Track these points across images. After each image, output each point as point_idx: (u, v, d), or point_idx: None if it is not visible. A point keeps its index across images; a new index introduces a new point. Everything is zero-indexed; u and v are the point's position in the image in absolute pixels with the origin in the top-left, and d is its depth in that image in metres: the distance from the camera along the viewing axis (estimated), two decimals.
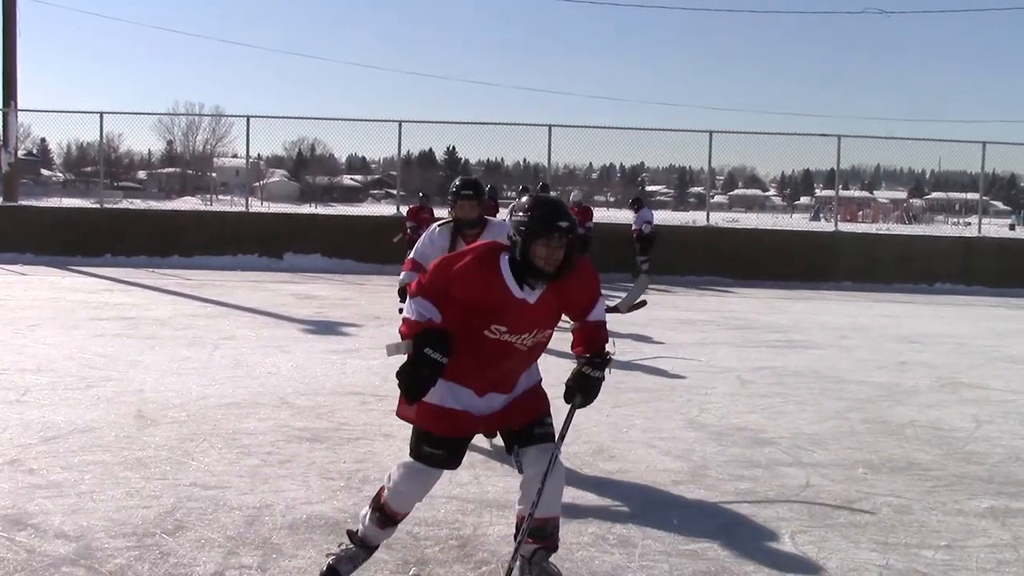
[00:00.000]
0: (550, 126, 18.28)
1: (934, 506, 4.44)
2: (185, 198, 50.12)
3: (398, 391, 3.20)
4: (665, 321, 10.78)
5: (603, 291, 3.45)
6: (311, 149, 62.08)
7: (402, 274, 5.24)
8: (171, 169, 63.40)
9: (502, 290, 3.14)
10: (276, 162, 53.87)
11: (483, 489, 4.49)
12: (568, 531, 3.93)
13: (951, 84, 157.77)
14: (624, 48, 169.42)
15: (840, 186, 21.49)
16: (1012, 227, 43.85)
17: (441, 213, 16.22)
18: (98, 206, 20.30)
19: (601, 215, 19.97)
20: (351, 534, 3.38)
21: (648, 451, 5.27)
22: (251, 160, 21.75)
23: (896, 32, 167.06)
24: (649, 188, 62.08)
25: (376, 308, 11.58)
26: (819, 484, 4.75)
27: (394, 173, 26.53)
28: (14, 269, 15.34)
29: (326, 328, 9.74)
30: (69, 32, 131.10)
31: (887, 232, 26.09)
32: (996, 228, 30.49)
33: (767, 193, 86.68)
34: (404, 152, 19.33)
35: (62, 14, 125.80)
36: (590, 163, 47.47)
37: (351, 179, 66.02)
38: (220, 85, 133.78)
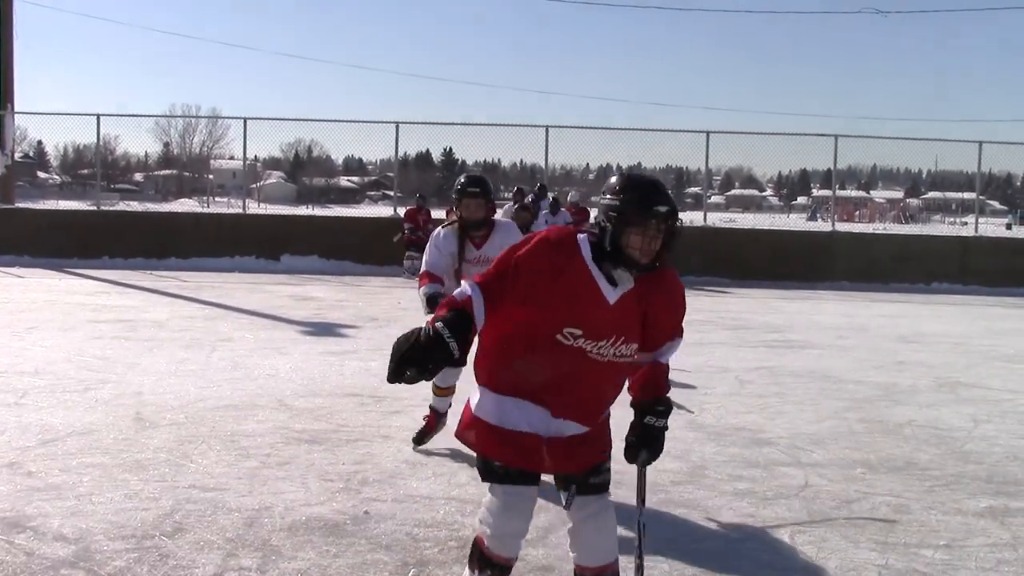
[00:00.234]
0: (547, 127, 18.32)
1: (933, 506, 4.45)
2: (182, 200, 50.08)
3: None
4: None
5: None
6: (308, 151, 62.16)
7: (421, 289, 4.83)
8: (168, 171, 63.34)
9: (581, 279, 2.67)
10: (273, 164, 53.94)
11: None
12: (565, 533, 3.94)
13: (948, 84, 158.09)
14: (621, 49, 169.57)
15: (837, 186, 21.52)
16: (1009, 226, 43.86)
17: (439, 214, 16.25)
18: (95, 208, 20.28)
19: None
20: None
21: None
22: (248, 162, 21.73)
23: (893, 32, 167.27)
24: None
25: (374, 309, 11.57)
26: (818, 484, 4.75)
27: (391, 174, 26.52)
28: (11, 272, 15.31)
29: (324, 330, 9.73)
30: (66, 34, 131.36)
31: (884, 232, 26.14)
32: (993, 227, 30.59)
33: (764, 193, 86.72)
34: (401, 153, 19.30)
35: (59, 16, 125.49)
36: (587, 164, 47.48)
37: (348, 181, 65.98)
38: (217, 87, 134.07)
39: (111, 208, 23.65)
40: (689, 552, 3.76)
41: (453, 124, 34.47)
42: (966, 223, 37.49)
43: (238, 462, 4.81)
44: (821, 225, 27.90)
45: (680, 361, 8.01)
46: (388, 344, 2.80)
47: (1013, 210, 57.81)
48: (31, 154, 60.44)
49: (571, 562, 2.94)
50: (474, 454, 2.89)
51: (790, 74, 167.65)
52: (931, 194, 67.99)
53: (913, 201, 67.77)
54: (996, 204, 60.51)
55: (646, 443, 2.82)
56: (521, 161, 39.98)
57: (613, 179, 2.72)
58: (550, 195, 16.05)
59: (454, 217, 5.03)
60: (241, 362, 7.61)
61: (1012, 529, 4.16)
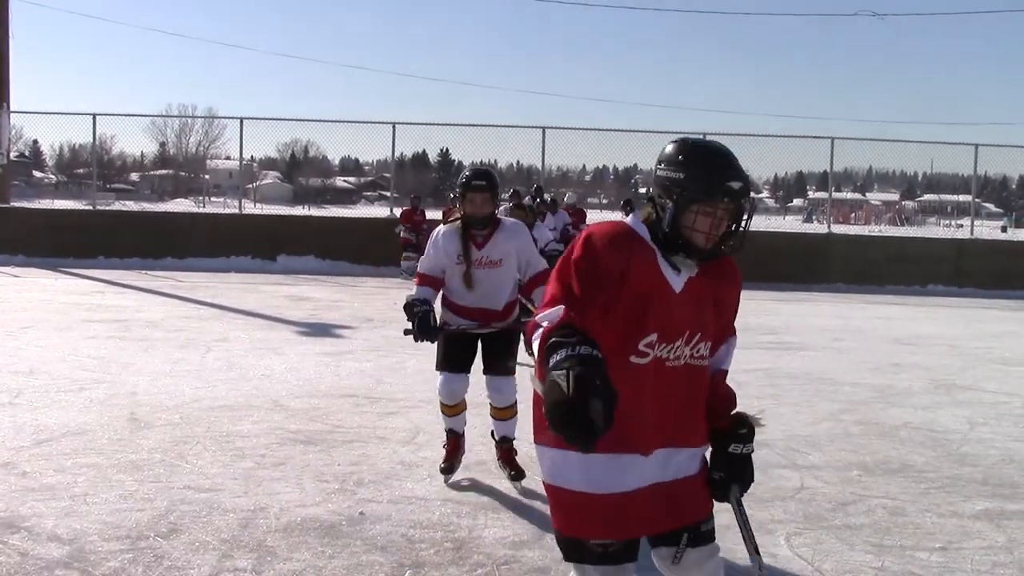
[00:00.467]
0: (544, 128, 18.32)
1: (929, 508, 4.45)
2: (178, 200, 49.96)
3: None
4: None
5: None
6: (304, 151, 62.09)
7: (414, 289, 4.55)
8: (164, 171, 63.19)
9: (649, 270, 2.23)
10: (269, 164, 53.82)
11: (478, 491, 4.48)
12: None
13: (944, 86, 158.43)
14: (618, 50, 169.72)
15: (833, 188, 21.55)
16: (1004, 229, 44.02)
17: (434, 215, 16.24)
18: (91, 208, 20.23)
19: (595, 217, 19.97)
20: None
21: None
22: (244, 162, 21.69)
23: (889, 35, 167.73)
24: (642, 190, 62.12)
25: (369, 310, 11.56)
26: (814, 486, 4.75)
27: (388, 175, 26.50)
28: (6, 271, 15.27)
29: (320, 330, 9.72)
30: (62, 34, 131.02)
31: (880, 234, 26.17)
32: (988, 230, 30.61)
33: (760, 195, 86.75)
34: (398, 154, 19.31)
35: (55, 15, 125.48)
36: (583, 165, 47.59)
37: (344, 181, 65.90)
38: (213, 87, 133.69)
39: (107, 208, 23.61)
40: None
41: (450, 125, 34.43)
42: (962, 225, 37.60)
43: (233, 463, 4.80)
44: (817, 227, 27.94)
45: None
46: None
47: (1008, 213, 58.01)
48: (27, 153, 60.35)
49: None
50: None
51: (787, 76, 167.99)
52: (927, 197, 68.16)
53: (909, 204, 67.92)
54: (991, 207, 60.68)
55: (736, 475, 2.36)
56: (518, 162, 39.99)
57: (671, 146, 2.28)
58: (547, 196, 16.05)
59: (457, 215, 4.63)
60: (236, 362, 7.59)
61: (1008, 532, 4.16)
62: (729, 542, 3.15)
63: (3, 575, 3.34)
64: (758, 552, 2.38)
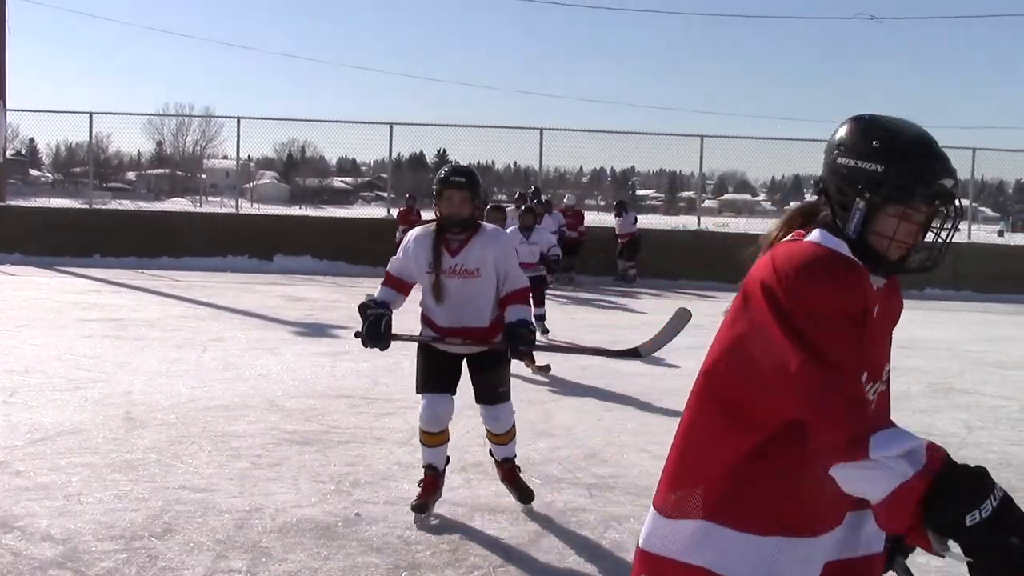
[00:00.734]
0: (541, 129, 18.32)
1: None
2: (175, 199, 49.93)
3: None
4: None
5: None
6: (301, 151, 62.02)
7: (377, 289, 4.22)
8: (160, 170, 63.13)
9: (871, 296, 1.76)
10: (266, 164, 53.75)
11: (474, 493, 4.46)
12: (560, 536, 3.91)
13: (941, 90, 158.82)
14: (616, 52, 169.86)
15: None
16: (1001, 233, 44.08)
17: (430, 215, 16.22)
18: (87, 207, 20.20)
19: (592, 219, 19.98)
20: None
21: (640, 455, 5.25)
22: (241, 162, 21.65)
23: (887, 38, 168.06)
24: (639, 192, 62.27)
25: None
26: None
27: (385, 175, 26.49)
28: (2, 270, 15.23)
29: (316, 330, 9.69)
30: (59, 32, 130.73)
31: None
32: (985, 234, 30.63)
33: (757, 198, 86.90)
34: (395, 154, 19.31)
35: (51, 13, 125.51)
36: (581, 167, 47.61)
37: (342, 181, 65.88)
38: (211, 86, 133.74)
39: (103, 207, 23.58)
40: None
41: (447, 125, 34.31)
42: (959, 229, 37.56)
43: (229, 463, 4.78)
44: None
45: (678, 362, 7.99)
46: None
47: (1005, 217, 58.15)
48: (23, 152, 60.25)
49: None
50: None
51: (784, 79, 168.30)
52: None
53: None
54: (988, 211, 60.76)
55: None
56: (515, 163, 40.01)
57: (856, 128, 1.74)
58: (543, 197, 16.06)
59: (432, 216, 4.20)
60: (233, 362, 7.57)
61: None
62: None
63: None
64: None
